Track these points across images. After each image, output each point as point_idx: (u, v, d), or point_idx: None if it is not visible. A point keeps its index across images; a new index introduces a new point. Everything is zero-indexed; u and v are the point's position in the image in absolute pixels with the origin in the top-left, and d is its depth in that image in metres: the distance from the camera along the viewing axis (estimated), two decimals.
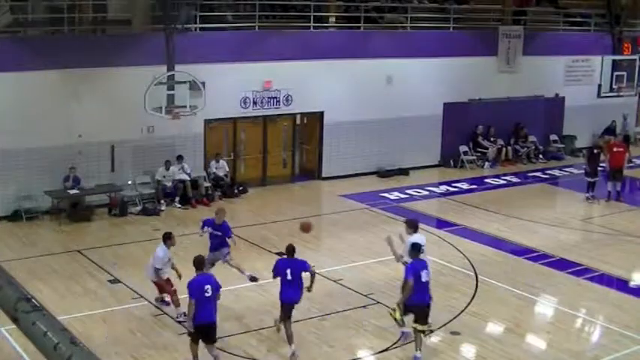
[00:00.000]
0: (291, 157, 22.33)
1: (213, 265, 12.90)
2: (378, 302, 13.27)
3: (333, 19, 23.33)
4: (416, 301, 11.06)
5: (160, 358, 11.18)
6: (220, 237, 13.22)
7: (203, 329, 10.48)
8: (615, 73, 27.29)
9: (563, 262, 15.75)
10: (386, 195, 20.96)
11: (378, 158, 23.07)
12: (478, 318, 12.82)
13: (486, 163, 24.57)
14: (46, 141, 17.89)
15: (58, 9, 18.69)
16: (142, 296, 13.12)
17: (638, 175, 24.37)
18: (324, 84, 21.67)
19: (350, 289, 13.94)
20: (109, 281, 14.09)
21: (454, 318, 12.75)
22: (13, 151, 17.63)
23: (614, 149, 21.05)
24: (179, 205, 19.32)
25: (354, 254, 15.95)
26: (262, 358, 11.26)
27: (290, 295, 11.30)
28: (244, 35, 20.79)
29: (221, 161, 20.42)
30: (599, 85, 27.57)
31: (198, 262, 10.73)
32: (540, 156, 25.90)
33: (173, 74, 18.02)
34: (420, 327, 11.00)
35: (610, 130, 27.28)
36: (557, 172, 24.31)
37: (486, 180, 23.27)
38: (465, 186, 22.45)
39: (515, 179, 23.48)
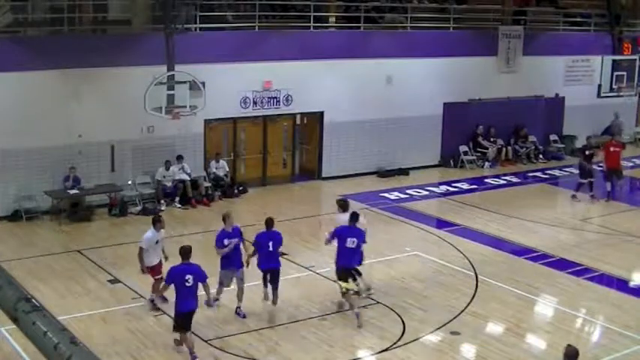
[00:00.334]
0: (291, 157, 22.33)
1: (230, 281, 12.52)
2: (378, 302, 13.27)
3: (333, 19, 23.32)
4: (341, 264, 12.37)
5: (159, 358, 11.18)
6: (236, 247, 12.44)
7: (183, 317, 10.76)
8: (615, 73, 27.38)
9: (563, 262, 15.75)
10: (386, 195, 20.96)
11: (378, 158, 23.07)
12: (478, 318, 12.82)
13: (486, 163, 24.57)
14: (46, 141, 17.89)
15: (58, 9, 18.69)
16: (141, 296, 13.12)
17: (638, 175, 24.39)
18: (324, 84, 21.68)
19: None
20: (109, 281, 14.09)
21: (454, 318, 12.74)
22: (13, 151, 17.64)
23: (611, 149, 21.05)
24: (179, 205, 19.32)
25: None
26: (262, 358, 11.26)
27: (273, 264, 12.48)
28: (244, 35, 20.79)
29: (221, 161, 20.42)
30: (599, 85, 27.64)
31: (184, 252, 10.93)
32: (540, 156, 25.90)
33: (173, 74, 18.02)
34: (347, 285, 12.27)
35: (610, 130, 27.32)
36: (557, 172, 24.31)
37: (486, 180, 23.27)
38: (465, 186, 22.45)
39: (515, 179, 23.48)
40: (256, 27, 20.92)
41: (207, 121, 20.19)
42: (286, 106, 21.39)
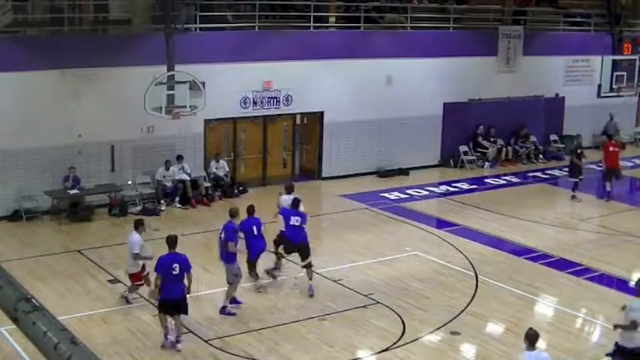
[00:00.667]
0: (291, 157, 22.33)
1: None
2: (378, 302, 13.28)
3: (333, 19, 23.31)
4: (286, 238, 13.83)
5: (159, 358, 11.18)
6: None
7: (168, 304, 11.32)
8: (615, 73, 27.37)
9: (563, 262, 15.75)
10: (386, 195, 20.95)
11: (378, 158, 23.07)
12: (478, 318, 12.82)
13: (486, 163, 24.57)
14: (46, 141, 17.89)
15: (59, 9, 18.69)
16: (141, 296, 13.12)
17: (638, 175, 24.40)
18: (324, 84, 21.67)
19: (350, 289, 13.94)
20: (109, 281, 14.08)
21: (454, 318, 12.75)
22: (13, 151, 17.63)
23: (610, 149, 21.07)
24: (179, 205, 19.32)
25: (354, 254, 15.94)
26: (262, 358, 11.26)
27: (260, 245, 13.57)
28: (244, 35, 20.79)
29: (221, 161, 20.42)
30: (599, 85, 27.63)
31: (171, 241, 11.47)
32: (540, 156, 25.90)
33: (173, 74, 18.02)
34: (301, 263, 13.70)
35: (607, 131, 27.34)
36: (557, 172, 24.29)
37: (486, 180, 23.27)
38: (465, 186, 22.45)
39: (515, 179, 23.48)
40: (256, 27, 20.92)
41: (207, 121, 20.18)
42: (286, 106, 21.39)
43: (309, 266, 13.67)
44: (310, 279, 13.64)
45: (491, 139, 24.92)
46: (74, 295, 13.35)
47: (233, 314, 12.59)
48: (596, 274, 15.08)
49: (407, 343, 11.72)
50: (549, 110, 26.55)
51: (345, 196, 20.63)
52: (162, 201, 19.15)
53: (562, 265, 15.57)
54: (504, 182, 23.06)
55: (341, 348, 11.61)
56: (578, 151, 21.03)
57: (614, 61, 27.44)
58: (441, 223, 18.62)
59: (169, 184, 19.32)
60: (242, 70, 20.18)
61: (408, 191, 21.47)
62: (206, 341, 11.65)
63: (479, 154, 24.68)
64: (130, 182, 19.20)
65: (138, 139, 19.17)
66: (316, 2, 21.84)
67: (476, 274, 14.83)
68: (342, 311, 12.91)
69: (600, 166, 21.73)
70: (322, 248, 16.80)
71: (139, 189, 19.25)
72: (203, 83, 18.44)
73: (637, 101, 29.15)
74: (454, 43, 24.10)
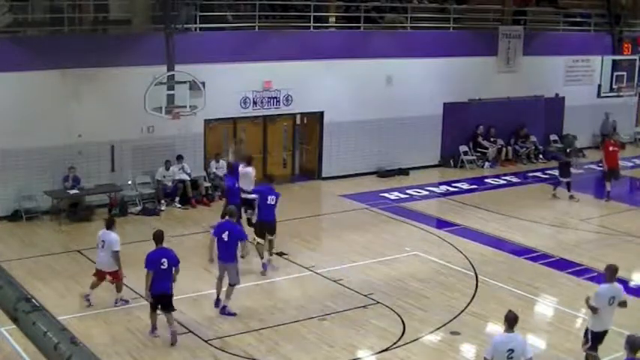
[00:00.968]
0: (291, 157, 22.33)
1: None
2: (378, 302, 13.28)
3: (333, 19, 23.31)
4: (261, 218, 14.58)
5: (159, 358, 11.18)
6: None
7: (158, 299, 11.51)
8: (615, 73, 27.35)
9: (563, 262, 15.76)
10: (386, 195, 20.96)
11: (378, 158, 23.07)
12: (478, 318, 12.83)
13: (486, 163, 24.57)
14: (46, 141, 17.89)
15: (59, 9, 18.69)
16: (141, 296, 13.10)
17: (638, 175, 24.39)
18: (324, 84, 21.67)
19: (350, 289, 13.94)
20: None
21: (454, 318, 12.75)
22: (13, 151, 17.63)
23: (610, 148, 21.07)
24: (179, 205, 19.32)
25: (354, 254, 15.94)
26: (262, 358, 11.26)
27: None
28: (244, 35, 20.78)
29: (221, 161, 20.39)
30: (599, 85, 27.62)
31: (157, 236, 11.71)
32: (540, 156, 25.90)
33: (173, 74, 18.01)
34: (269, 237, 14.59)
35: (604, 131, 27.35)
36: (557, 172, 24.25)
37: (486, 180, 23.27)
38: (465, 186, 22.45)
39: (515, 179, 23.48)
40: (256, 27, 20.92)
41: (207, 121, 20.18)
42: (286, 106, 21.39)
43: (273, 240, 14.68)
44: (271, 255, 14.66)
45: (492, 139, 24.92)
46: (74, 295, 13.33)
47: (234, 314, 12.58)
48: (596, 274, 15.04)
49: (407, 343, 11.72)
50: (549, 110, 26.55)
51: (345, 196, 20.63)
52: (162, 201, 19.15)
53: (562, 265, 15.57)
54: (504, 182, 23.07)
55: (341, 348, 11.61)
56: (568, 150, 21.09)
57: (614, 61, 27.43)
58: (441, 223, 18.62)
59: (169, 184, 19.32)
60: (242, 70, 20.18)
61: (408, 191, 21.47)
62: (206, 341, 11.66)
63: (479, 154, 24.68)
64: (130, 182, 19.20)
65: (138, 139, 19.16)
66: (316, 2, 21.84)
67: (476, 274, 14.84)
68: (342, 311, 12.91)
69: (601, 166, 21.72)
70: (322, 248, 16.82)
71: (139, 189, 19.25)
72: (203, 83, 18.44)
73: (637, 101, 29.17)
74: (454, 43, 24.10)
